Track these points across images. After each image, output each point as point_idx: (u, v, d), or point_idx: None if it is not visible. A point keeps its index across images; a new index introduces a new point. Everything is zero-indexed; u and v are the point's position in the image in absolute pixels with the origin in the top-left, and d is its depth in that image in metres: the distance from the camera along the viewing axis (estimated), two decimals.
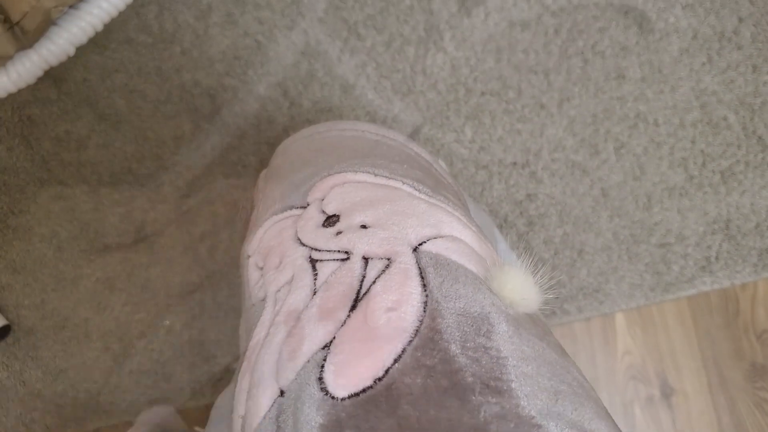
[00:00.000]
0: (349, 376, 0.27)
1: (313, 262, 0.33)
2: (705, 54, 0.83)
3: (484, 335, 0.28)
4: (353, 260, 0.32)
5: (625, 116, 0.82)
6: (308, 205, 0.37)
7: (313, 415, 0.26)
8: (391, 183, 0.37)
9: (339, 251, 0.33)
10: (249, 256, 0.38)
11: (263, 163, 0.82)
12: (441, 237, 0.32)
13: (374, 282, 0.30)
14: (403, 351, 0.27)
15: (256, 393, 0.29)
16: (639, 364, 0.82)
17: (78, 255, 0.83)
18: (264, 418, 0.28)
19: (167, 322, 0.82)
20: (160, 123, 0.83)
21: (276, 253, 0.36)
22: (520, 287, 0.31)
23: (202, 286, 0.81)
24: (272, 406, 0.28)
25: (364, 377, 0.27)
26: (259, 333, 0.32)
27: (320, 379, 0.27)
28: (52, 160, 0.83)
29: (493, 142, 0.83)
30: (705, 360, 0.82)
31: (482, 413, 0.24)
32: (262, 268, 0.36)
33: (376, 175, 0.37)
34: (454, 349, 0.27)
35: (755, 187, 0.82)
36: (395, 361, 0.27)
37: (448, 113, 0.82)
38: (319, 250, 0.34)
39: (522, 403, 0.25)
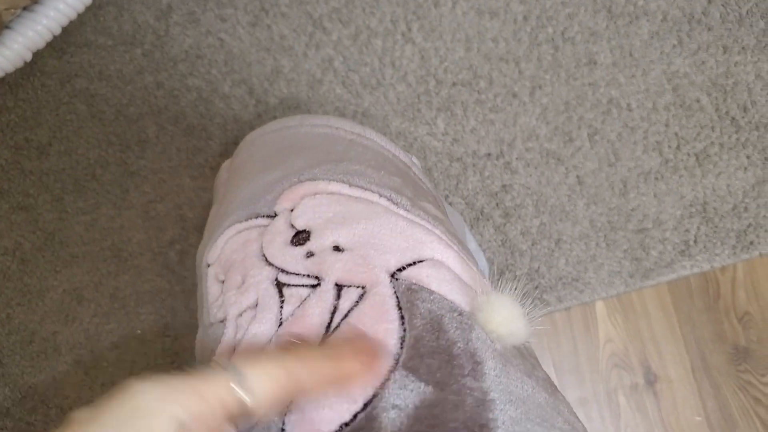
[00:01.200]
0: (312, 424, 0.24)
1: (279, 286, 0.30)
2: (675, 36, 0.82)
3: (469, 374, 0.25)
4: (325, 288, 0.29)
5: (597, 102, 0.82)
6: (275, 215, 0.34)
7: None
8: (367, 195, 0.34)
9: (309, 276, 0.30)
10: (209, 265, 0.35)
11: None
12: (422, 261, 0.30)
13: (347, 315, 0.28)
14: (374, 396, 0.25)
15: None
16: (621, 352, 0.81)
17: (43, 266, 0.80)
18: None
19: (139, 331, 0.79)
20: (124, 127, 0.80)
21: (238, 269, 0.32)
22: (507, 319, 0.28)
23: (173, 292, 0.79)
24: None
25: (325, 424, 0.24)
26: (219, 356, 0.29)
27: (283, 430, 0.25)
28: (12, 170, 0.80)
29: (466, 133, 0.81)
30: (687, 345, 0.81)
31: None
32: (223, 282, 0.33)
33: (351, 185, 0.34)
34: (434, 392, 0.25)
35: (731, 169, 0.81)
36: (365, 405, 0.25)
37: (419, 105, 0.81)
38: (287, 273, 0.31)
39: None
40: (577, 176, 0.81)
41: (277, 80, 0.80)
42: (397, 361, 0.26)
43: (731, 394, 0.81)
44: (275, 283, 0.30)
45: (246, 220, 0.34)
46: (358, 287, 0.29)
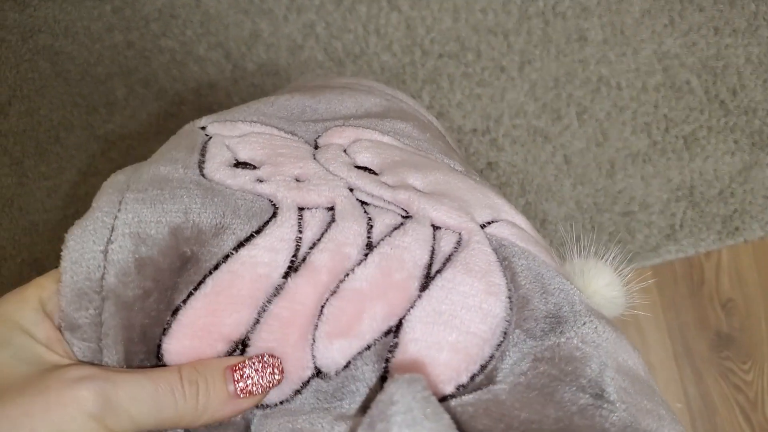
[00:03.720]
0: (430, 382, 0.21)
1: (361, 203, 0.25)
2: (667, 15, 0.81)
3: (586, 326, 0.23)
4: (421, 222, 0.24)
5: (587, 80, 0.79)
6: (317, 147, 0.29)
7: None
8: (423, 154, 0.30)
9: (395, 205, 0.25)
10: (203, 128, 0.29)
11: None
12: (501, 221, 0.26)
13: (449, 259, 0.23)
14: (491, 357, 0.22)
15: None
16: None
17: (1, 235, 0.75)
18: (289, 398, 0.22)
19: None
20: (91, 87, 0.75)
21: (291, 162, 0.26)
22: (610, 286, 0.26)
23: None
24: (303, 388, 0.22)
25: (440, 384, 0.21)
26: (274, 244, 0.23)
27: (383, 378, 0.21)
28: None
29: (452, 107, 0.78)
30: (670, 330, 0.80)
31: (597, 417, 0.20)
32: (247, 165, 0.27)
33: (403, 144, 0.30)
34: (556, 341, 0.22)
35: (718, 153, 0.80)
36: (482, 368, 0.22)
37: (404, 77, 0.78)
38: (366, 193, 0.25)
39: (633, 424, 0.20)
40: (565, 155, 0.79)
41: (255, 44, 0.76)
42: (509, 322, 0.23)
43: (712, 381, 0.80)
44: (355, 197, 0.25)
45: (279, 130, 0.29)
46: (454, 233, 0.25)
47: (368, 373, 0.21)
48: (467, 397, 0.20)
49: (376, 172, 0.28)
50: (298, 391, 0.22)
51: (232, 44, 0.76)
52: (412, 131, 0.32)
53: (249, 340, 0.22)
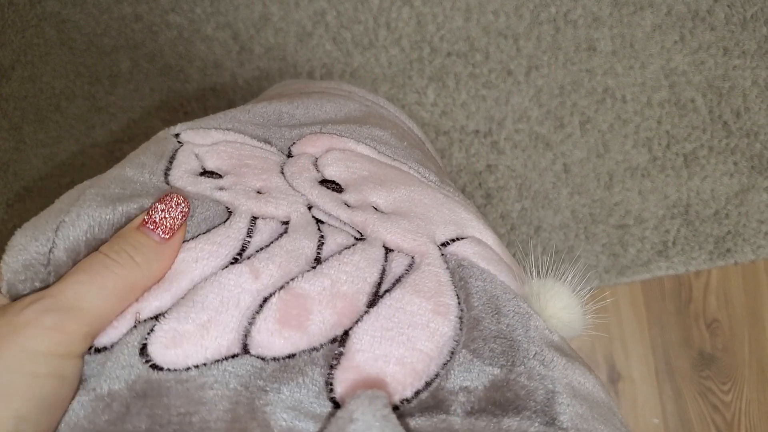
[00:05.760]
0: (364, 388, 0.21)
1: (317, 221, 0.26)
2: (677, 32, 0.80)
3: (535, 358, 0.23)
4: (372, 244, 0.25)
5: (593, 90, 0.79)
6: (291, 155, 0.30)
7: None
8: (397, 165, 0.30)
9: (351, 226, 0.26)
10: (177, 135, 0.29)
11: (207, 111, 0.76)
12: (466, 238, 0.26)
13: (399, 280, 0.24)
14: (437, 375, 0.22)
15: (205, 333, 0.21)
16: (588, 347, 0.79)
17: None
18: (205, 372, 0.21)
19: None
20: (95, 58, 0.75)
21: (256, 174, 0.27)
22: (567, 307, 0.25)
23: None
24: (225, 360, 0.21)
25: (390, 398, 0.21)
26: (218, 239, 0.23)
27: (329, 384, 0.21)
28: None
29: (456, 107, 0.78)
30: (654, 346, 0.80)
31: None
32: (214, 173, 0.28)
33: (379, 152, 0.31)
34: (503, 372, 0.22)
35: (717, 173, 0.80)
36: (427, 384, 0.22)
37: (410, 72, 0.78)
38: (324, 212, 0.26)
39: None
40: (564, 164, 0.79)
41: (264, 28, 0.76)
42: (457, 342, 0.23)
43: (691, 400, 0.80)
44: (311, 215, 0.26)
45: (252, 138, 0.30)
46: (407, 255, 0.25)
47: (317, 376, 0.21)
48: (424, 422, 0.20)
49: (342, 186, 0.28)
50: (219, 361, 0.21)
51: (240, 26, 0.75)
52: (389, 139, 0.32)
53: (169, 310, 0.22)
